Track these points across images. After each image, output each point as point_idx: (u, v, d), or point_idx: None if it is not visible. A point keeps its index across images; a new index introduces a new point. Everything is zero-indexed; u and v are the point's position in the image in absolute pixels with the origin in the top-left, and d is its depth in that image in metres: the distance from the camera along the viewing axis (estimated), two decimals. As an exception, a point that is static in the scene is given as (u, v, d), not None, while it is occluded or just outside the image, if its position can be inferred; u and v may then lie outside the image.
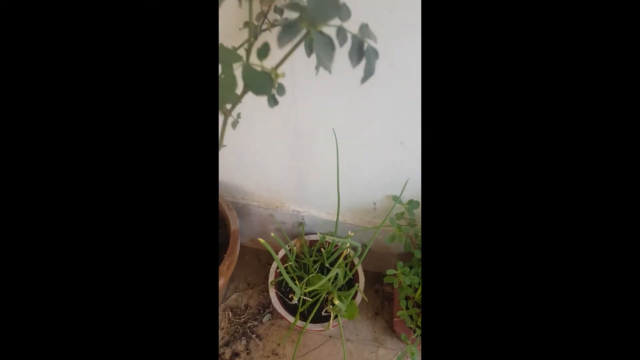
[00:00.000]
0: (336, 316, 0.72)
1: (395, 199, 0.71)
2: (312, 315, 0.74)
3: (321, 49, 0.26)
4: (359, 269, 0.78)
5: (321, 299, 0.75)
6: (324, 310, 0.77)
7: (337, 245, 0.79)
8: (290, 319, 0.74)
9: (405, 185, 0.69)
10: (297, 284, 0.71)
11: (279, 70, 0.33)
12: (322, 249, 0.81)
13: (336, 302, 0.68)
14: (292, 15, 0.41)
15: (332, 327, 0.73)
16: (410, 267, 0.73)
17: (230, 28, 0.52)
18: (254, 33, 0.41)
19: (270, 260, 1.03)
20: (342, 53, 0.31)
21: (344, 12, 0.29)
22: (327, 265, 0.81)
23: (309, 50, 0.31)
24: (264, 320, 0.90)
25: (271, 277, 0.81)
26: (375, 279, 0.95)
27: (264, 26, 0.43)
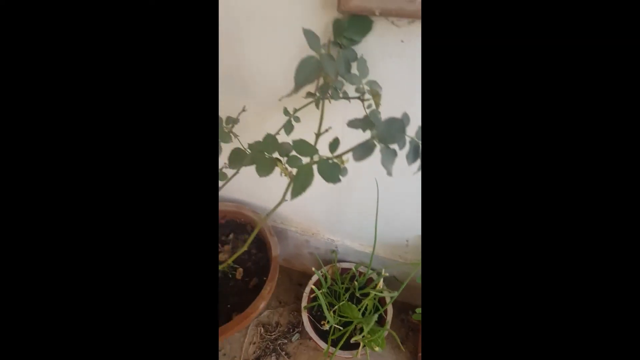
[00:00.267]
0: (364, 345, 0.76)
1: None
2: (341, 342, 0.79)
3: (386, 159, 0.30)
4: (389, 306, 0.82)
5: (351, 328, 0.80)
6: (352, 339, 0.81)
7: (371, 278, 0.84)
8: (321, 344, 0.79)
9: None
10: (329, 309, 0.76)
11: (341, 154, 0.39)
12: (354, 280, 0.86)
13: (366, 334, 0.72)
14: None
15: (360, 355, 0.77)
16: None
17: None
18: (318, 105, 0.46)
19: (301, 280, 1.08)
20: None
21: (407, 121, 0.34)
22: (357, 294, 0.85)
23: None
24: (293, 339, 0.95)
25: (304, 301, 0.87)
26: (402, 308, 0.99)
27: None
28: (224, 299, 0.81)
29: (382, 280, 0.78)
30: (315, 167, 0.35)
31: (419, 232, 0.78)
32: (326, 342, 0.79)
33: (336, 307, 0.81)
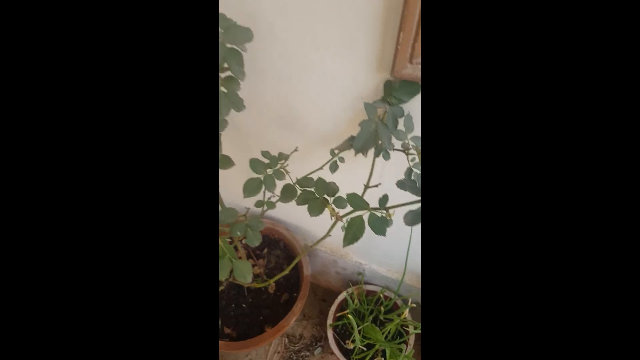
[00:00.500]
0: (385, 367, 0.80)
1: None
2: (363, 362, 0.83)
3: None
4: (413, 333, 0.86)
5: (373, 351, 0.85)
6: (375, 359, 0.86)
7: (396, 304, 0.88)
8: (344, 361, 0.84)
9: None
10: (354, 329, 0.80)
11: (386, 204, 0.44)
12: (380, 303, 0.91)
13: (389, 358, 0.77)
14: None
15: (380, 376, 0.82)
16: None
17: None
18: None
19: (325, 296, 1.14)
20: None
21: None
22: (381, 317, 0.90)
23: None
24: (315, 352, 1.01)
25: (329, 319, 0.92)
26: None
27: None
28: (257, 311, 0.88)
29: (407, 310, 0.82)
30: (365, 218, 0.40)
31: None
32: (349, 361, 0.84)
33: (360, 327, 0.86)
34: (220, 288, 0.69)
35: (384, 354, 0.83)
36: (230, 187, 0.81)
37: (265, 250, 0.99)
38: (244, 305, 0.89)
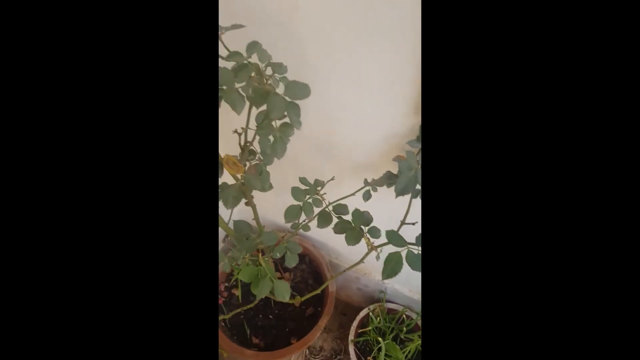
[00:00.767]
0: (404, 385, 0.84)
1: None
2: (383, 378, 0.87)
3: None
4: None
5: (394, 367, 0.88)
6: (393, 376, 0.89)
7: (418, 326, 0.91)
8: (365, 377, 0.88)
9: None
10: (375, 346, 0.84)
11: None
12: (402, 323, 0.94)
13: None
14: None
15: (399, 393, 0.85)
16: None
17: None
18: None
19: (345, 310, 1.17)
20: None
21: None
22: (402, 336, 0.93)
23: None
24: (335, 365, 1.05)
25: (351, 334, 0.96)
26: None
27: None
28: (283, 323, 0.92)
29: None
30: (403, 254, 0.44)
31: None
32: (370, 377, 0.87)
33: (381, 344, 0.90)
34: (255, 302, 0.74)
35: (403, 372, 0.86)
36: (264, 204, 0.86)
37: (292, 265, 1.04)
38: (270, 317, 0.93)
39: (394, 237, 0.45)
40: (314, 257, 1.02)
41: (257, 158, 0.56)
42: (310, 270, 1.02)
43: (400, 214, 0.61)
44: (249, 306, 0.72)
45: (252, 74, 0.42)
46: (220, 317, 0.72)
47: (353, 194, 0.67)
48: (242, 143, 0.58)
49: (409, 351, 0.88)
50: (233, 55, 0.45)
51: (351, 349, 0.93)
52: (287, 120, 0.44)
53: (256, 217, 0.70)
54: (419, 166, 0.45)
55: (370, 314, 0.94)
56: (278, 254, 0.62)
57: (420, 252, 0.45)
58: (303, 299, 0.72)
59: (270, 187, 0.56)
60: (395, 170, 0.57)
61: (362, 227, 0.57)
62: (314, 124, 0.70)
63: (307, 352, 1.08)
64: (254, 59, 0.45)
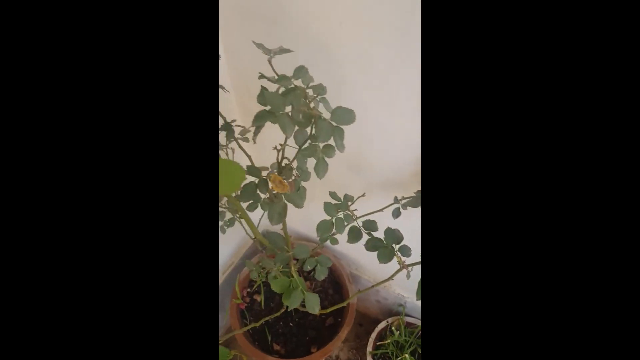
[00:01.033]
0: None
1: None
2: (401, 392, 0.88)
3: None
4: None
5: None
6: (410, 390, 0.90)
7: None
8: (382, 389, 0.89)
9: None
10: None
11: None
12: (420, 337, 0.95)
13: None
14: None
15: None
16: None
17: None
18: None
19: (362, 321, 1.18)
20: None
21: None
22: (420, 351, 0.94)
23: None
24: (351, 375, 1.06)
25: (370, 346, 0.97)
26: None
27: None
28: (303, 331, 0.94)
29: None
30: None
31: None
32: (387, 390, 0.88)
33: (400, 358, 0.90)
34: (282, 310, 0.76)
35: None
36: (291, 214, 0.89)
37: (313, 273, 1.06)
38: (291, 324, 0.95)
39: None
40: (334, 267, 1.04)
41: (293, 174, 0.59)
42: (330, 280, 1.03)
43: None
44: (275, 314, 0.74)
45: (302, 100, 0.44)
46: (249, 326, 0.75)
47: (381, 210, 0.69)
48: (280, 159, 0.61)
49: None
50: (281, 79, 0.48)
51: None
52: (331, 142, 0.46)
53: (284, 229, 0.72)
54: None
55: (392, 327, 0.95)
56: (309, 267, 0.64)
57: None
58: (328, 310, 0.74)
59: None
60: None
61: (394, 245, 0.59)
62: (347, 142, 0.72)
63: (324, 360, 1.09)
64: (298, 81, 0.47)
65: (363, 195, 0.68)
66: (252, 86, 0.77)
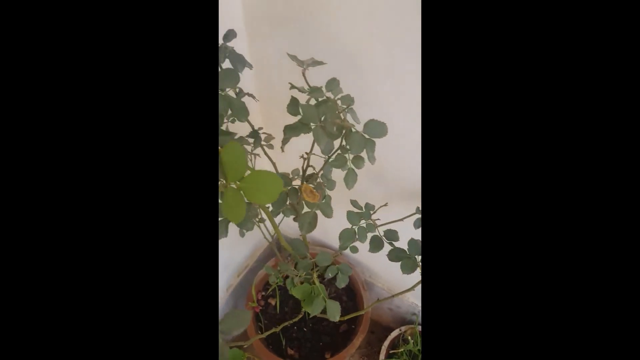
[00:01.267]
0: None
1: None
2: (413, 402, 0.88)
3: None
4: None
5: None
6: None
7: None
8: (395, 398, 0.89)
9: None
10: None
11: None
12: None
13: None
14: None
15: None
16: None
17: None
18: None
19: (374, 328, 1.18)
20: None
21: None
22: (433, 361, 0.93)
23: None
24: (362, 382, 1.06)
25: (382, 354, 0.97)
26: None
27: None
28: (317, 337, 0.95)
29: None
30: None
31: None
32: (400, 399, 0.88)
33: (413, 368, 0.90)
34: (300, 316, 0.77)
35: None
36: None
37: (329, 279, 1.07)
38: (305, 329, 0.96)
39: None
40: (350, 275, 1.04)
41: (317, 182, 0.60)
42: (345, 288, 1.04)
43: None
44: (293, 320, 0.75)
45: (335, 112, 0.45)
46: (269, 333, 0.75)
47: (401, 220, 0.69)
48: (305, 167, 0.62)
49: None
50: (313, 90, 0.49)
51: (382, 369, 0.94)
52: (361, 154, 0.47)
53: (304, 236, 0.73)
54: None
55: (407, 335, 0.95)
56: (330, 274, 0.65)
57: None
58: (346, 318, 0.75)
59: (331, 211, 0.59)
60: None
61: (416, 256, 0.59)
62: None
63: (335, 366, 1.10)
64: (329, 92, 0.48)
65: (385, 205, 0.69)
66: (277, 95, 0.79)
